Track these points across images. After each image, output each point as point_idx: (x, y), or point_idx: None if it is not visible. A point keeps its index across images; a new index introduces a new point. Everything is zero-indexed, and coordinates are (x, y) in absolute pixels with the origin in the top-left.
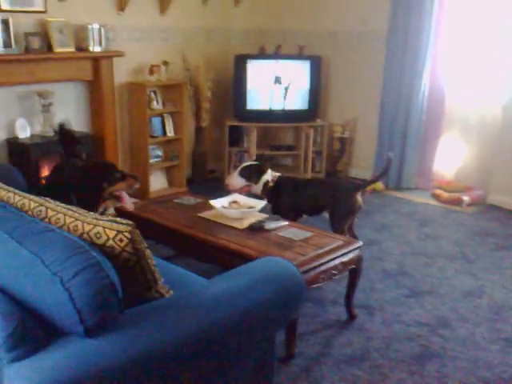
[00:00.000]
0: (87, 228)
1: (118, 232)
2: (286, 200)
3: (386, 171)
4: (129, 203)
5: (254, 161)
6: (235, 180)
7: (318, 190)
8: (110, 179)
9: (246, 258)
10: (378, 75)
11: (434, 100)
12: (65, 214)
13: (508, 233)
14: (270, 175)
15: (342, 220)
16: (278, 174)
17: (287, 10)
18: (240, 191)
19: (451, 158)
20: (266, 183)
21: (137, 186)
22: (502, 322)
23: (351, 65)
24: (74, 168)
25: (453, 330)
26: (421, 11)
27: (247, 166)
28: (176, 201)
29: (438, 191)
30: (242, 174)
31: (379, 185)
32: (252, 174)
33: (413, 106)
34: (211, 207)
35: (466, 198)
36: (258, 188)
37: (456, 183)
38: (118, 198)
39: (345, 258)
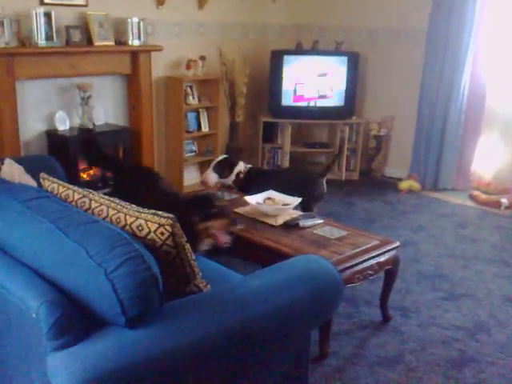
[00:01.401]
0: (129, 220)
1: (160, 225)
2: (256, 190)
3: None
4: (225, 239)
5: (225, 154)
6: (210, 176)
7: (288, 179)
8: (202, 214)
9: (281, 256)
10: (416, 73)
11: (473, 99)
12: (108, 206)
13: None
14: (241, 166)
15: (312, 206)
16: (249, 165)
17: (325, 6)
18: (215, 187)
19: (490, 159)
20: (237, 174)
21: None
22: None
23: (389, 62)
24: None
25: (490, 335)
26: (463, 8)
27: (219, 162)
28: None
29: (476, 193)
30: (215, 170)
31: (416, 185)
32: (225, 169)
33: (452, 105)
34: (246, 203)
35: (504, 201)
36: (229, 180)
37: (494, 185)
38: (212, 237)
39: (381, 259)
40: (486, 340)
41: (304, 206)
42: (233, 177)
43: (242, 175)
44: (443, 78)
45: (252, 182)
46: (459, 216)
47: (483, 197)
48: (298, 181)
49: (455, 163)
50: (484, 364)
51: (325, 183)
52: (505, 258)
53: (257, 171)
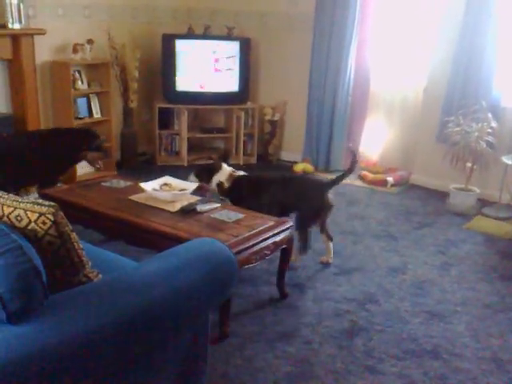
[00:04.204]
0: (7, 211)
1: (41, 214)
2: (247, 202)
3: (353, 163)
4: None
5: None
6: (190, 180)
7: (284, 190)
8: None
9: (178, 241)
10: (306, 57)
11: (359, 83)
12: None
13: (428, 211)
14: (224, 175)
15: (310, 221)
16: (242, 172)
17: None
18: (199, 191)
19: (376, 140)
20: (220, 184)
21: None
22: (424, 296)
23: (281, 47)
24: None
25: (379, 304)
26: None
27: (202, 166)
28: (104, 184)
29: (364, 172)
30: (197, 174)
31: (309, 167)
32: (204, 174)
33: (339, 89)
34: (142, 190)
35: (390, 179)
36: (213, 188)
37: (381, 165)
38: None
39: (276, 238)
40: (375, 310)
41: (300, 220)
42: (213, 185)
43: (226, 185)
44: (330, 63)
45: (244, 192)
46: (349, 195)
47: (371, 176)
48: (305, 191)
49: (344, 145)
50: (373, 332)
51: (330, 196)
52: (391, 232)
53: (251, 180)
